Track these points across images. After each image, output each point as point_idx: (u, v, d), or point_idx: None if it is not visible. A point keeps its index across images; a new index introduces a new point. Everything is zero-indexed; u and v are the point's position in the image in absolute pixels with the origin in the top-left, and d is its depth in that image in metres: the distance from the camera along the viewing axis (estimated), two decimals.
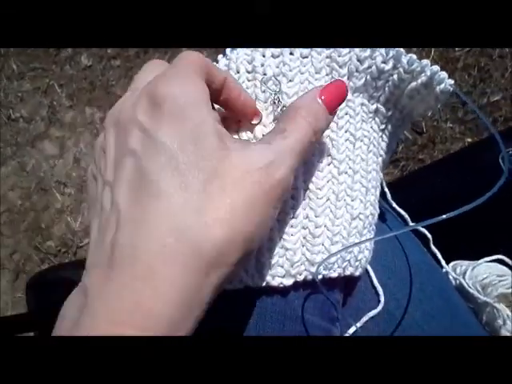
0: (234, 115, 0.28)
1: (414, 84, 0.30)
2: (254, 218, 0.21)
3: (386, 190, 0.41)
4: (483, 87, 1.06)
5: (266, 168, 0.22)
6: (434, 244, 0.42)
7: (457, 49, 1.09)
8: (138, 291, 0.18)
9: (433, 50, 1.10)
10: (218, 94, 0.25)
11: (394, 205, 0.41)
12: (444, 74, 0.29)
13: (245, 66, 0.31)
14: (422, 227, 0.42)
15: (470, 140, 1.01)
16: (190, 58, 0.23)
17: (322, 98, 0.25)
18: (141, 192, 0.20)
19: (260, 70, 0.30)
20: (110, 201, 0.21)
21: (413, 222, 0.42)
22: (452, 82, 0.29)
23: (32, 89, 1.15)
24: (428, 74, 0.29)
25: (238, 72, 0.31)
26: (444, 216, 0.24)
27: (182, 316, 0.19)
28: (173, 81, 0.22)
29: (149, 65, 0.26)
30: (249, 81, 0.30)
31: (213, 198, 0.20)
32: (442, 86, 0.29)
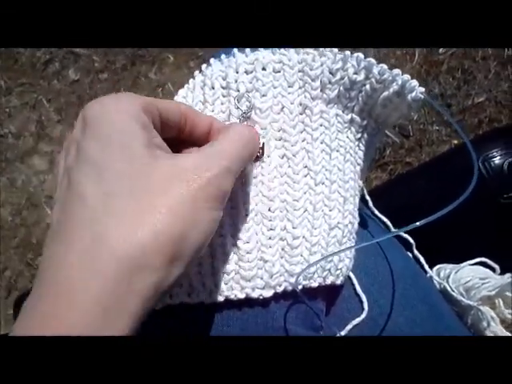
0: None
1: (386, 93, 0.31)
2: (182, 218, 0.20)
3: (368, 197, 0.41)
4: (467, 89, 1.07)
5: (193, 169, 0.21)
6: (418, 249, 0.43)
7: (440, 52, 1.11)
8: (54, 302, 0.18)
9: (417, 53, 1.12)
10: (204, 138, 0.26)
11: (376, 212, 0.42)
12: (414, 83, 0.30)
13: (219, 82, 0.31)
14: (405, 233, 0.43)
15: (456, 142, 1.02)
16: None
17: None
18: (67, 203, 0.20)
19: (233, 86, 0.30)
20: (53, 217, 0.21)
21: (395, 227, 0.43)
22: (423, 89, 0.30)
23: (20, 104, 1.15)
24: (399, 82, 0.30)
25: (213, 88, 0.31)
26: (417, 223, 0.25)
27: (101, 326, 0.18)
28: (106, 99, 0.22)
29: None
30: (224, 97, 0.31)
31: (136, 201, 0.20)
32: (413, 94, 0.30)
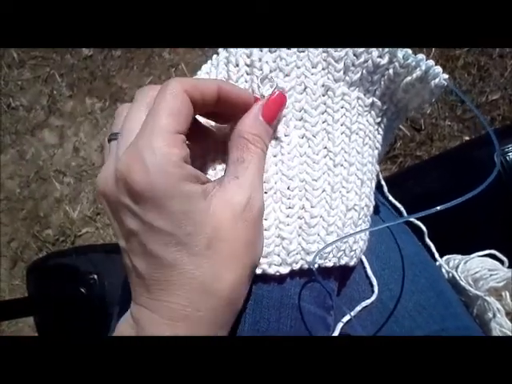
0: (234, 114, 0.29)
1: (409, 78, 0.30)
2: (253, 249, 0.26)
3: (383, 182, 0.41)
4: (482, 86, 1.06)
5: (247, 205, 0.25)
6: (429, 237, 0.43)
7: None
8: (177, 329, 0.24)
9: (433, 48, 1.10)
10: (213, 104, 0.27)
11: (391, 198, 0.42)
12: (438, 69, 0.30)
13: (244, 59, 0.31)
14: (418, 220, 0.43)
15: (467, 138, 1.02)
16: (167, 101, 0.24)
17: (263, 115, 0.28)
18: (156, 263, 0.24)
19: (257, 65, 0.30)
20: (132, 264, 0.25)
21: (408, 215, 0.43)
22: (446, 76, 0.30)
23: (32, 77, 1.15)
24: (423, 68, 0.30)
25: (238, 65, 0.31)
26: (438, 208, 0.25)
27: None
28: (144, 163, 0.23)
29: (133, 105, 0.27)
30: (247, 74, 0.31)
31: (217, 251, 0.24)
32: (437, 80, 0.30)
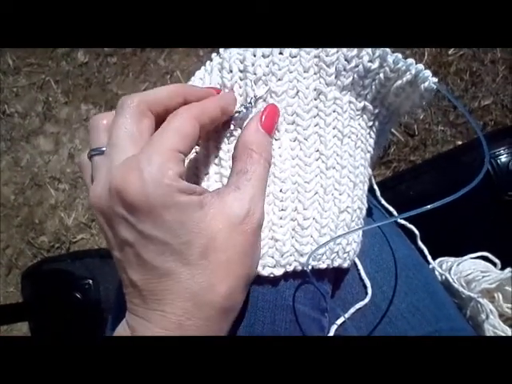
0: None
1: (399, 82, 0.31)
2: (248, 260, 0.26)
3: (375, 186, 0.42)
4: (475, 91, 1.07)
5: (245, 217, 0.25)
6: (422, 241, 0.43)
7: (449, 53, 1.11)
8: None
9: (426, 54, 1.12)
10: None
11: (383, 201, 0.42)
12: (428, 73, 0.30)
13: (237, 65, 0.31)
14: (410, 224, 0.43)
15: (460, 143, 1.03)
16: (175, 123, 0.25)
17: (263, 126, 0.29)
18: (151, 273, 0.24)
19: (251, 70, 0.31)
20: (127, 276, 0.25)
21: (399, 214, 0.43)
22: (435, 79, 0.30)
23: (28, 84, 1.15)
24: (413, 72, 0.30)
25: (231, 71, 0.32)
26: (429, 206, 0.25)
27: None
28: (140, 174, 0.23)
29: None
30: (241, 80, 0.31)
31: (211, 261, 0.24)
32: (426, 83, 0.30)
